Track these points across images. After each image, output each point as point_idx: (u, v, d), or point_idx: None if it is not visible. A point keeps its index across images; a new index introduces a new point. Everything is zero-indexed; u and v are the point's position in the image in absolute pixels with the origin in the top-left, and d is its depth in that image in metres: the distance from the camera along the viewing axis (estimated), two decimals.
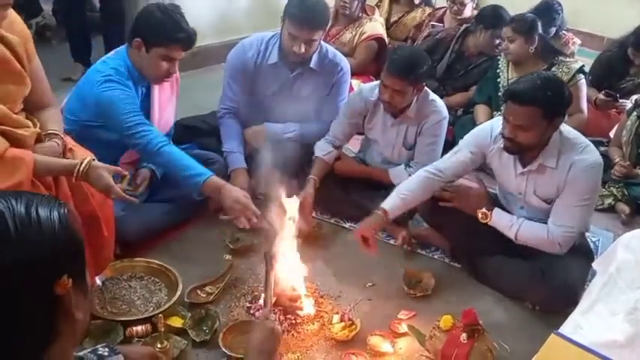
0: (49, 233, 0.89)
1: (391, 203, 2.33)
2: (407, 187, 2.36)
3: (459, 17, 4.02)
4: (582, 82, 3.32)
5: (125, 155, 2.40)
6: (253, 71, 2.73)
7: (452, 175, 2.40)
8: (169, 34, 2.21)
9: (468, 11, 4.05)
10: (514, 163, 2.27)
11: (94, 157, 1.87)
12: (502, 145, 2.22)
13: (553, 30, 3.85)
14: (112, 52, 2.34)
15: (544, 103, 2.04)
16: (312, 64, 2.73)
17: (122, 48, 2.33)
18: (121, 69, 2.26)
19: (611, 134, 3.44)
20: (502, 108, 3.31)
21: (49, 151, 1.83)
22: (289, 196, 2.44)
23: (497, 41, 3.51)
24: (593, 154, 2.16)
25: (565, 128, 2.21)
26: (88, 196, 1.91)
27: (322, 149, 2.73)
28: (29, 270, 0.85)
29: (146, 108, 2.38)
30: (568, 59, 3.37)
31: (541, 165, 2.19)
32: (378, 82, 2.73)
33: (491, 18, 3.54)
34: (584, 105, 3.37)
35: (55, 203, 0.93)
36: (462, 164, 2.38)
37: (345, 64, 2.87)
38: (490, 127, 2.35)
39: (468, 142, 2.39)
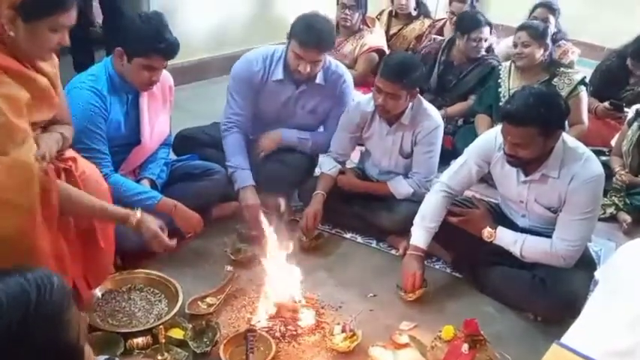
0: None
1: (423, 239, 2.35)
2: (429, 215, 2.38)
3: None
4: (584, 93, 3.33)
5: (124, 165, 2.40)
6: (259, 86, 2.72)
7: (462, 189, 2.47)
8: (149, 44, 2.17)
9: None
10: (516, 171, 2.27)
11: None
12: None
13: (552, 26, 3.86)
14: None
15: (539, 121, 2.04)
16: (317, 80, 2.72)
17: (110, 56, 2.31)
18: (100, 75, 2.25)
19: (613, 143, 3.44)
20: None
21: (50, 138, 1.83)
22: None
23: (475, 44, 3.56)
24: (594, 167, 2.15)
25: (568, 138, 2.21)
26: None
27: (327, 165, 2.75)
28: None
29: (134, 116, 2.37)
30: (570, 70, 3.38)
31: (543, 175, 2.19)
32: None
33: (468, 22, 3.63)
34: (585, 116, 3.38)
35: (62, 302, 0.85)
36: (470, 176, 2.41)
37: (348, 74, 2.88)
38: (495, 134, 2.35)
39: (473, 153, 2.40)
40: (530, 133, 2.05)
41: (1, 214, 1.59)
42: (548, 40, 3.31)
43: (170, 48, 2.22)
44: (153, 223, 2.03)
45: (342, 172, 2.78)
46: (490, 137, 2.38)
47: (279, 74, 2.69)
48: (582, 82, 3.31)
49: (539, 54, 3.27)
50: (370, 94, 2.74)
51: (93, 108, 2.20)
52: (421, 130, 2.63)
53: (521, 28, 3.34)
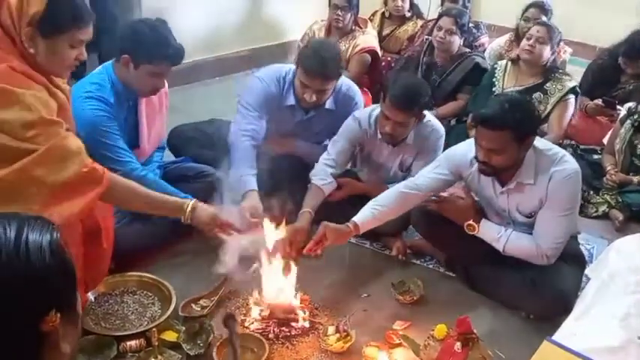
0: (38, 266, 0.83)
1: (363, 217, 2.30)
2: (382, 202, 2.34)
3: None
4: (571, 101, 3.32)
5: None
6: (273, 108, 2.66)
7: (429, 191, 2.38)
8: (158, 51, 2.19)
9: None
10: (492, 183, 2.27)
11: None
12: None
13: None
14: (99, 67, 2.33)
15: (513, 126, 2.05)
16: (327, 105, 2.68)
17: (109, 62, 2.32)
18: (104, 83, 2.25)
19: (605, 141, 3.45)
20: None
21: None
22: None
23: (438, 33, 3.54)
24: (570, 164, 2.17)
25: (539, 143, 2.21)
26: (92, 207, 1.91)
27: (321, 177, 2.60)
28: (13, 306, 0.80)
29: (133, 121, 2.38)
30: (564, 76, 3.34)
31: (519, 183, 2.20)
32: (372, 108, 2.70)
33: (441, 14, 3.74)
34: (565, 124, 3.38)
35: (48, 229, 0.87)
36: (440, 182, 2.37)
37: (360, 96, 2.84)
38: (467, 150, 2.33)
39: (445, 163, 2.38)
40: (505, 137, 2.06)
41: (32, 189, 1.62)
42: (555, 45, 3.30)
43: (177, 54, 2.25)
44: (204, 216, 2.07)
45: (339, 187, 2.66)
46: (462, 152, 2.35)
47: (290, 100, 2.65)
48: (574, 90, 3.30)
49: (546, 55, 3.26)
50: (368, 109, 2.71)
51: (103, 113, 2.22)
52: (424, 143, 2.61)
53: (542, 24, 3.31)
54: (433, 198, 2.38)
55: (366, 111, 2.71)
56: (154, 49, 2.19)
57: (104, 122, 2.21)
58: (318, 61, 2.48)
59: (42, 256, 0.84)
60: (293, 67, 2.67)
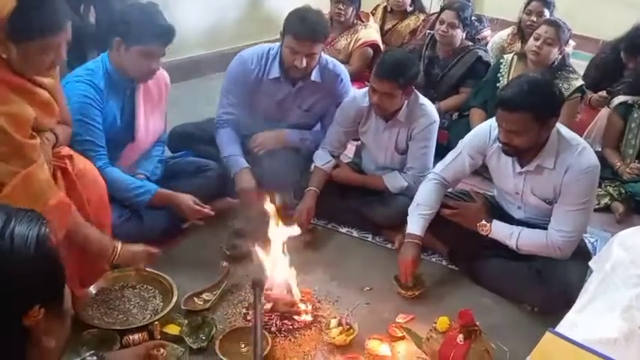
0: (23, 261, 0.82)
1: (419, 226, 2.35)
2: (426, 204, 2.38)
3: None
4: (578, 100, 3.27)
5: (119, 162, 2.39)
6: (255, 84, 2.71)
7: (455, 181, 2.48)
8: (147, 30, 2.19)
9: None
10: (512, 163, 2.28)
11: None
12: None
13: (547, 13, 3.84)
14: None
15: (533, 108, 2.04)
16: (313, 77, 2.72)
17: (106, 52, 2.32)
18: (97, 70, 2.26)
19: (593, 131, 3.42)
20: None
21: (47, 146, 1.84)
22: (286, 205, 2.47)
23: (440, 26, 3.53)
24: (589, 157, 2.16)
25: (564, 130, 2.21)
26: (84, 203, 1.93)
27: (321, 159, 2.74)
28: None
29: (130, 111, 2.38)
30: (571, 75, 3.27)
31: (539, 166, 2.20)
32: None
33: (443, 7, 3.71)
34: (570, 122, 3.30)
35: (37, 223, 0.86)
36: (463, 168, 2.42)
37: (345, 73, 2.88)
38: (489, 127, 2.36)
39: (467, 145, 2.41)
40: (525, 119, 2.06)
41: None
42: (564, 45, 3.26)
43: (167, 33, 2.24)
44: (128, 256, 2.04)
45: (336, 166, 2.77)
46: (484, 130, 2.38)
47: (275, 72, 2.68)
48: (580, 89, 3.25)
49: (553, 56, 3.20)
50: (366, 89, 2.74)
51: (87, 100, 2.21)
52: (417, 125, 2.63)
53: (550, 23, 3.23)
54: (446, 205, 2.40)
55: (362, 90, 2.77)
56: (142, 29, 2.19)
57: (88, 113, 2.20)
58: (307, 25, 2.53)
59: (26, 250, 0.83)
60: (278, 45, 2.71)
